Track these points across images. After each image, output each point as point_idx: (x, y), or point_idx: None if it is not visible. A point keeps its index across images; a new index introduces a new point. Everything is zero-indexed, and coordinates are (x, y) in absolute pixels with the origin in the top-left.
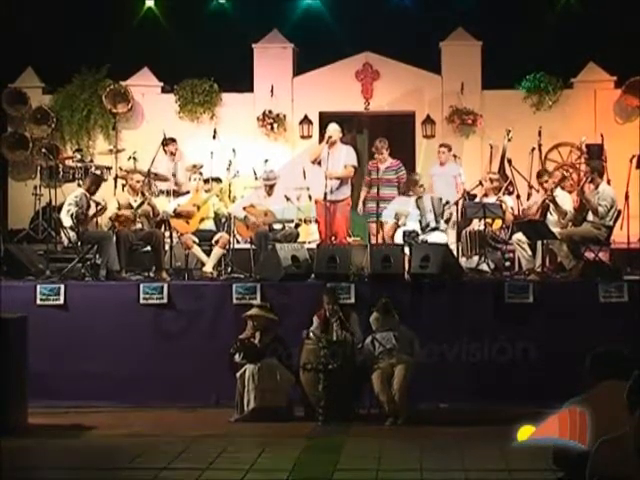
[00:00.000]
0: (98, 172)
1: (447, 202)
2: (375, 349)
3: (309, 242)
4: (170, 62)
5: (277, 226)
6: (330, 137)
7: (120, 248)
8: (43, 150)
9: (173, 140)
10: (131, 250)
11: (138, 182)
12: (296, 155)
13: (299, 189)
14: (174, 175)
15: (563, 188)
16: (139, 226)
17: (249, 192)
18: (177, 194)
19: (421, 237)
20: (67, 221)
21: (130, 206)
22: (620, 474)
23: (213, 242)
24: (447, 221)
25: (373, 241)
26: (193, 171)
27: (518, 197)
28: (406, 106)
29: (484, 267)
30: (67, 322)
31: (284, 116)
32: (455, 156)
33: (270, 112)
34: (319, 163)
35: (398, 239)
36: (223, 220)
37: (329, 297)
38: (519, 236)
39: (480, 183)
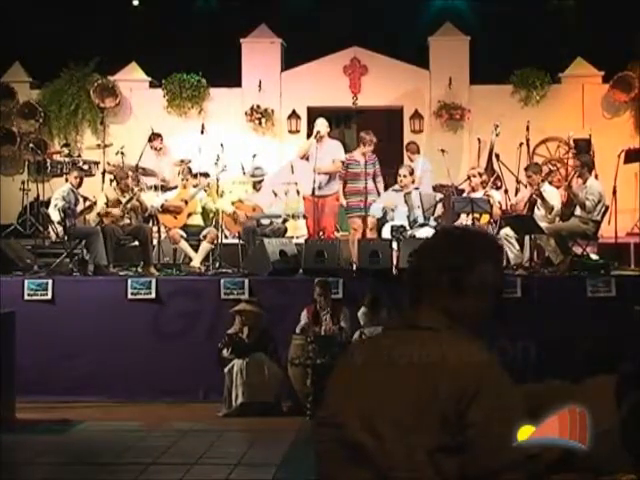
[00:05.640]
0: (86, 167)
1: (441, 199)
2: None
3: (297, 237)
4: (158, 57)
5: (265, 221)
6: (318, 132)
7: (107, 243)
8: (31, 145)
9: (158, 135)
10: (119, 245)
11: (123, 180)
12: (284, 150)
13: (287, 184)
14: (160, 170)
15: (551, 183)
16: (127, 221)
17: (237, 187)
18: (165, 189)
19: (409, 232)
20: (55, 216)
21: (118, 201)
22: (607, 468)
23: (201, 237)
24: (438, 219)
25: (357, 236)
26: (181, 166)
27: (506, 192)
28: (394, 101)
29: None
30: (55, 317)
31: (272, 111)
32: (443, 150)
33: (258, 107)
34: (307, 158)
35: (386, 234)
36: (211, 215)
37: (321, 289)
38: (507, 231)
39: (468, 178)
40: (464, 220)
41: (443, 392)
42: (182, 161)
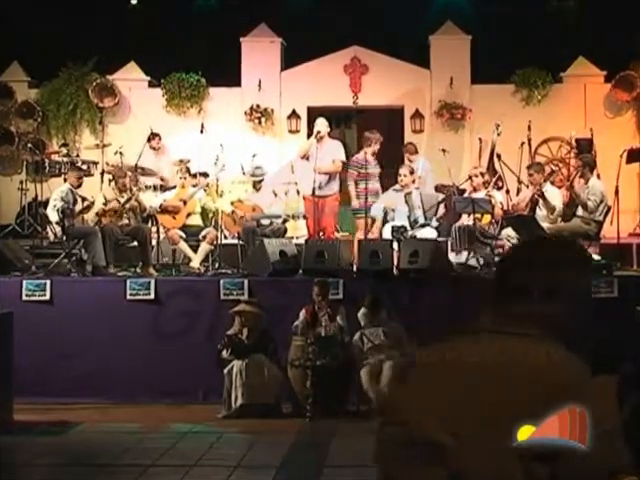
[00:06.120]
0: (84, 167)
1: (443, 199)
2: (364, 345)
3: (297, 237)
4: (157, 56)
5: (265, 221)
6: (318, 132)
7: (106, 243)
8: (29, 145)
9: (156, 135)
10: (118, 245)
11: (120, 179)
12: (284, 150)
13: (287, 184)
14: (159, 170)
15: (553, 183)
16: (126, 221)
17: (237, 187)
18: (164, 189)
19: (410, 232)
20: (53, 216)
21: (117, 201)
22: (608, 468)
23: (200, 237)
24: (439, 219)
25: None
26: (180, 166)
27: (507, 192)
28: (395, 100)
29: (473, 263)
30: (53, 318)
31: (272, 110)
32: (444, 150)
33: (258, 106)
34: (307, 158)
35: (386, 234)
36: (210, 215)
37: (319, 289)
38: (508, 231)
39: (469, 178)
40: (465, 220)
41: (541, 398)
42: (181, 161)
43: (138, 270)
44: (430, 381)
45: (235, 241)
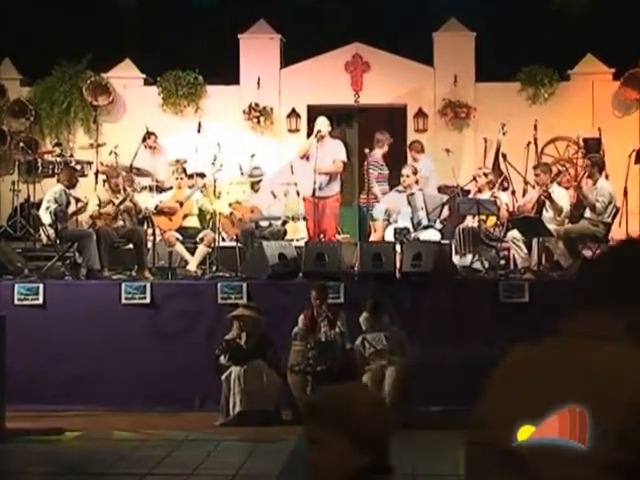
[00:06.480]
0: (78, 167)
1: (447, 201)
2: (365, 350)
3: (297, 240)
4: (153, 53)
5: (264, 223)
6: (319, 131)
7: (101, 246)
8: (21, 144)
9: (152, 134)
10: (112, 248)
11: (112, 179)
12: (284, 150)
13: (286, 185)
14: (155, 170)
15: (560, 184)
16: (121, 223)
17: (235, 188)
18: (160, 190)
19: (413, 235)
20: (46, 218)
21: (111, 202)
22: None
23: (198, 240)
24: (443, 221)
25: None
26: (176, 166)
27: (513, 193)
28: (397, 99)
29: (478, 266)
30: (46, 323)
31: (271, 109)
32: (448, 150)
33: (257, 105)
34: (307, 158)
35: (389, 236)
36: (208, 217)
37: (318, 293)
38: (514, 233)
39: (474, 178)
40: (470, 222)
41: (626, 407)
42: (177, 161)
43: (133, 273)
44: (512, 385)
45: (233, 243)
